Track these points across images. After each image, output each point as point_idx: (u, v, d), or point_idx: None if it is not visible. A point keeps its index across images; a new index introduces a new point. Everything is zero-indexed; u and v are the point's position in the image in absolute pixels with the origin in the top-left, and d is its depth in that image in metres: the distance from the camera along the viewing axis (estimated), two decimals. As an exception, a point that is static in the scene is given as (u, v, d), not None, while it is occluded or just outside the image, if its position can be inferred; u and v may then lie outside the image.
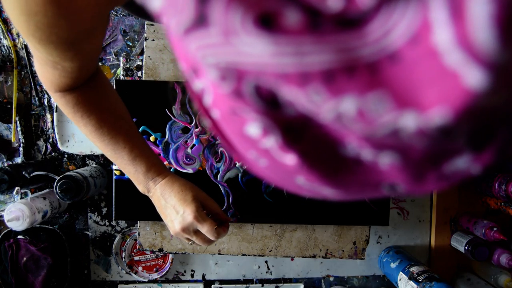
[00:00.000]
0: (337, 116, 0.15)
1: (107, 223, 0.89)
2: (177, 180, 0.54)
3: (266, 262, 0.91)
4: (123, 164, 0.53)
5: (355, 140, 0.16)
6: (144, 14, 0.61)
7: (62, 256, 0.83)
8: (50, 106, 0.86)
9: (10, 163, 0.87)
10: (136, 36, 0.88)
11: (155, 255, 0.89)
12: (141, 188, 0.55)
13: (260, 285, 0.91)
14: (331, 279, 0.93)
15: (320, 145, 0.17)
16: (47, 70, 0.44)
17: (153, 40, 0.75)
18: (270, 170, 0.21)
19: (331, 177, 0.19)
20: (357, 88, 0.14)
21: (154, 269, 0.89)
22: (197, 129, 0.74)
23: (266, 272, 0.92)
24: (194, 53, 0.16)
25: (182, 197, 0.53)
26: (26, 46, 0.85)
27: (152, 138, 0.74)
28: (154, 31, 0.75)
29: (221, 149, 0.74)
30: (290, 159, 0.18)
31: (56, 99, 0.50)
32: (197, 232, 0.53)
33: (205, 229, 0.52)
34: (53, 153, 0.87)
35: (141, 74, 0.76)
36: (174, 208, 0.53)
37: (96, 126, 0.51)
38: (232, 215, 0.75)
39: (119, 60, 0.87)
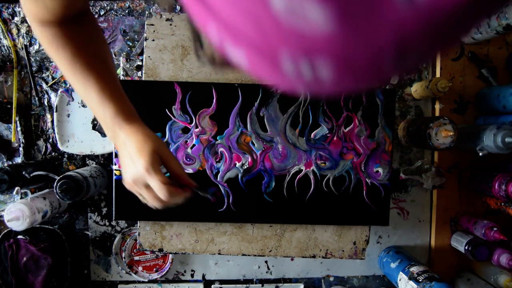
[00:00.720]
0: None
1: (107, 223, 0.89)
2: (143, 129, 0.51)
3: (266, 262, 0.91)
4: (93, 104, 0.51)
5: None
6: None
7: (62, 256, 0.83)
8: (50, 106, 0.86)
9: (10, 163, 0.87)
10: (136, 36, 0.88)
11: (155, 255, 0.89)
12: (108, 133, 0.52)
13: (260, 285, 0.91)
14: (331, 279, 0.93)
15: None
16: (28, 1, 0.44)
17: (153, 40, 0.75)
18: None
19: None
20: None
21: (154, 269, 0.89)
22: (197, 129, 0.74)
23: (266, 272, 0.92)
24: None
25: (140, 147, 0.49)
26: (26, 46, 0.85)
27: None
28: (154, 31, 0.75)
29: (221, 149, 0.74)
30: None
31: (35, 31, 0.48)
32: (148, 187, 0.49)
33: (153, 183, 0.47)
34: (53, 153, 0.87)
35: (141, 74, 0.76)
36: (131, 157, 0.49)
37: (70, 61, 0.49)
38: (213, 193, 0.62)
39: (119, 60, 0.87)
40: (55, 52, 0.49)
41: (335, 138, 0.75)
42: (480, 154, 0.74)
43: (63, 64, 0.49)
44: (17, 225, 0.73)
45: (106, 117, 0.51)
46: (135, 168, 0.48)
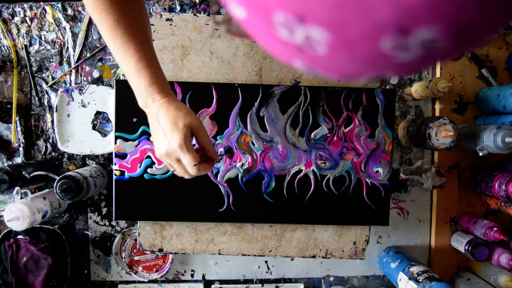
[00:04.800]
0: None
1: (107, 223, 0.89)
2: (175, 102, 0.53)
3: (266, 262, 0.91)
4: (129, 72, 0.53)
5: None
6: None
7: (62, 256, 0.83)
8: (50, 106, 0.86)
9: (10, 163, 0.87)
10: (136, 36, 0.88)
11: (155, 255, 0.89)
12: (140, 102, 0.54)
13: (260, 285, 0.91)
14: (331, 279, 0.93)
15: None
16: None
17: (153, 40, 0.75)
18: None
19: None
20: None
21: (154, 269, 0.89)
22: (197, 129, 0.74)
23: (266, 272, 0.92)
24: None
25: (174, 121, 0.51)
26: (26, 46, 0.85)
27: (152, 138, 0.74)
28: (154, 31, 0.75)
29: (221, 149, 0.74)
30: None
31: None
32: (179, 161, 0.52)
33: (186, 160, 0.51)
34: (53, 153, 0.87)
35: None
36: (163, 131, 0.51)
37: (111, 27, 0.50)
38: (227, 151, 0.72)
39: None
40: (98, 17, 0.51)
41: (335, 138, 0.75)
42: (480, 154, 0.74)
43: (105, 30, 0.51)
44: (17, 225, 0.73)
45: (141, 86, 0.53)
46: (168, 142, 0.51)
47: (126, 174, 0.74)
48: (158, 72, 0.53)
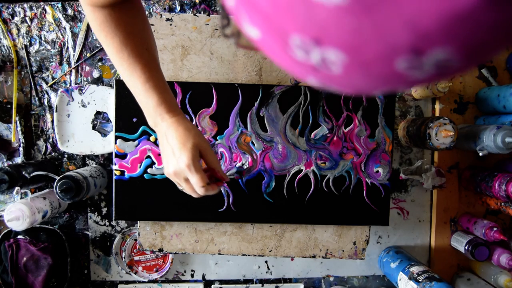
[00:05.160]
0: None
1: (107, 223, 0.89)
2: (184, 122, 0.54)
3: (266, 262, 0.91)
4: (137, 93, 0.53)
5: None
6: None
7: (62, 256, 0.83)
8: (50, 106, 0.86)
9: (10, 163, 0.87)
10: (136, 36, 0.88)
11: (155, 255, 0.89)
12: (149, 121, 0.55)
13: (260, 285, 0.91)
14: (331, 279, 0.93)
15: None
16: None
17: (153, 40, 0.75)
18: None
19: None
20: None
21: (154, 269, 0.89)
22: (197, 129, 0.74)
23: (266, 272, 0.92)
24: None
25: (183, 141, 0.52)
26: (26, 46, 0.85)
27: (152, 138, 0.74)
28: (154, 31, 0.75)
29: (221, 149, 0.74)
30: None
31: (87, 13, 0.50)
32: (187, 180, 0.52)
33: (194, 180, 0.51)
34: (53, 153, 0.87)
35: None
36: (172, 150, 0.52)
37: (118, 49, 0.51)
38: (237, 171, 0.73)
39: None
40: (104, 39, 0.51)
41: (335, 138, 0.75)
42: (480, 154, 0.74)
43: (111, 52, 0.52)
44: (17, 225, 0.73)
45: (150, 106, 0.53)
46: (176, 162, 0.51)
47: (126, 174, 0.74)
48: (166, 91, 0.54)
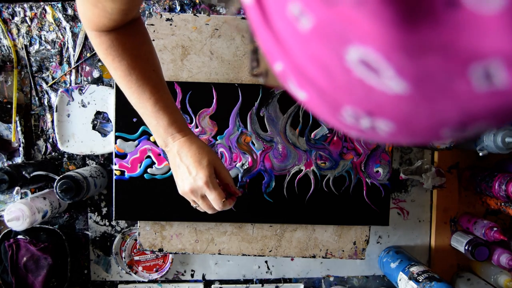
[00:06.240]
0: None
1: (107, 223, 0.89)
2: (196, 141, 0.54)
3: (266, 262, 0.91)
4: (146, 115, 0.53)
5: None
6: None
7: (62, 256, 0.83)
8: (50, 106, 0.86)
9: (10, 163, 0.87)
10: (136, 36, 0.88)
11: (155, 255, 0.89)
12: (159, 141, 0.55)
13: (260, 285, 0.91)
14: (331, 279, 0.93)
15: None
16: (87, 7, 0.44)
17: (153, 40, 0.75)
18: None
19: (406, 26, 0.13)
20: None
21: (154, 269, 0.89)
22: (197, 129, 0.74)
23: (266, 272, 0.92)
24: None
25: (198, 159, 0.52)
26: (26, 46, 0.85)
27: (152, 138, 0.74)
28: (154, 31, 0.75)
29: (221, 149, 0.74)
30: None
31: (91, 38, 0.50)
32: (204, 197, 0.53)
33: (212, 197, 0.52)
34: (53, 153, 0.87)
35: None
36: (187, 169, 0.52)
37: (126, 73, 0.50)
38: (240, 186, 0.74)
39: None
40: (111, 63, 0.50)
41: (335, 138, 0.75)
42: (480, 154, 0.74)
43: (119, 76, 0.51)
44: (17, 225, 0.73)
45: (160, 127, 0.53)
46: (193, 180, 0.52)
47: (126, 174, 0.74)
48: (175, 111, 0.54)
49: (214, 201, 0.52)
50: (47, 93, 0.86)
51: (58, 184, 0.73)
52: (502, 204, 0.79)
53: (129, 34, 0.51)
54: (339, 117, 0.18)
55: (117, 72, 0.51)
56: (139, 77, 0.51)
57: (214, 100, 0.74)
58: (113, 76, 0.52)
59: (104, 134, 0.85)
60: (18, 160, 0.86)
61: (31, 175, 0.77)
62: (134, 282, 0.90)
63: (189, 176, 0.52)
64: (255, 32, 0.19)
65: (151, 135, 0.73)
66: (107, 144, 0.85)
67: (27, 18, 0.85)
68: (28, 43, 0.85)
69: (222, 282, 0.91)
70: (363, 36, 0.14)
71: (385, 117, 0.17)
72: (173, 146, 0.54)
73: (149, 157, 0.74)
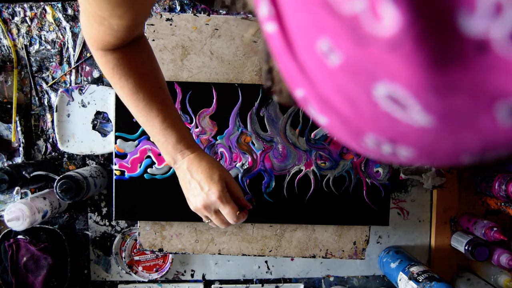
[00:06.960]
0: None
1: (107, 223, 0.89)
2: (206, 157, 0.54)
3: (266, 262, 0.91)
4: (154, 132, 0.53)
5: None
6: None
7: (62, 256, 0.83)
8: (50, 106, 0.86)
9: (10, 163, 0.87)
10: (136, 36, 0.88)
11: (155, 255, 0.89)
12: (167, 158, 0.55)
13: (260, 285, 0.91)
14: (331, 279, 0.93)
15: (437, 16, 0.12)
16: (92, 25, 0.43)
17: (153, 40, 0.75)
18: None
19: (437, 68, 0.13)
20: None
21: (154, 269, 0.89)
22: (197, 129, 0.74)
23: (266, 272, 0.92)
24: None
25: (209, 175, 0.52)
26: (26, 46, 0.85)
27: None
28: (154, 31, 0.75)
29: (221, 149, 0.74)
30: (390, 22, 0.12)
31: (97, 58, 0.49)
32: (217, 212, 0.53)
33: (226, 211, 0.52)
34: (53, 153, 0.87)
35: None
36: (199, 184, 0.52)
37: (133, 91, 0.50)
38: (249, 200, 0.75)
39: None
40: (117, 82, 0.50)
41: (335, 138, 0.75)
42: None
43: (126, 94, 0.51)
44: (17, 225, 0.73)
45: (168, 144, 0.53)
46: (206, 195, 0.52)
47: (126, 174, 0.74)
48: (183, 128, 0.54)
49: (228, 215, 0.52)
50: (47, 93, 0.86)
51: (58, 184, 0.73)
52: (502, 204, 0.79)
53: (134, 52, 0.50)
54: (360, 143, 0.19)
55: (124, 90, 0.51)
56: (146, 95, 0.51)
57: (214, 100, 0.74)
58: (119, 95, 0.52)
59: (104, 134, 0.85)
60: (18, 160, 0.86)
61: (31, 175, 0.77)
62: (134, 282, 0.90)
63: (201, 192, 0.52)
64: (276, 58, 0.19)
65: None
66: (107, 144, 0.85)
67: (27, 18, 0.85)
68: (28, 43, 0.85)
69: (222, 282, 0.91)
70: (393, 75, 0.14)
71: (408, 145, 0.17)
72: (183, 163, 0.54)
73: (149, 157, 0.74)
